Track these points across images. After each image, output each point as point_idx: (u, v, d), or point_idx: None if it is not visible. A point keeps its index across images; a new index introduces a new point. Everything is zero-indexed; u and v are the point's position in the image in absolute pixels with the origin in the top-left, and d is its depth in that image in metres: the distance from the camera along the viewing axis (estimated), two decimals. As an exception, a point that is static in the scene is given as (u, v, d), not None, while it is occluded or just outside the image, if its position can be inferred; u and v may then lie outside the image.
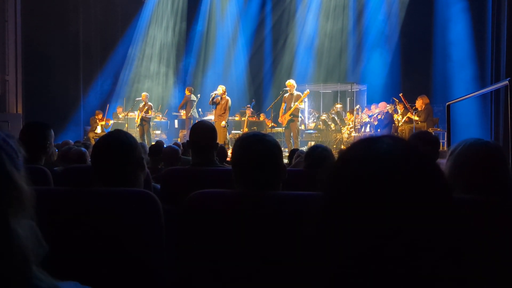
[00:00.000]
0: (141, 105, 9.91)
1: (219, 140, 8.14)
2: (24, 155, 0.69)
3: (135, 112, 10.43)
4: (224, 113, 8.40)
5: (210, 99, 8.59)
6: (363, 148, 0.63)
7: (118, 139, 1.55)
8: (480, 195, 1.34)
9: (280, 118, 8.31)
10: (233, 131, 10.28)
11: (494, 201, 1.30)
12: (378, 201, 0.57)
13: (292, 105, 8.01)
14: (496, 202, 1.30)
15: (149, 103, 9.95)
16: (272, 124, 10.24)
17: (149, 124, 9.93)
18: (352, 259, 0.58)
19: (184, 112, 10.30)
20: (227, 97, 8.50)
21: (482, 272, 1.12)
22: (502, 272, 1.20)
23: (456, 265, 0.58)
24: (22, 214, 0.62)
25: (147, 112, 9.72)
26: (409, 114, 8.57)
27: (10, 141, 0.66)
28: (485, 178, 1.37)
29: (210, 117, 10.20)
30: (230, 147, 8.02)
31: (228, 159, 5.17)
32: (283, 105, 8.25)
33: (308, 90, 8.63)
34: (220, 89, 8.51)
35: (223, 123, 8.36)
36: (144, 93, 10.09)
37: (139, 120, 9.75)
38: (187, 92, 10.23)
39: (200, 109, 10.52)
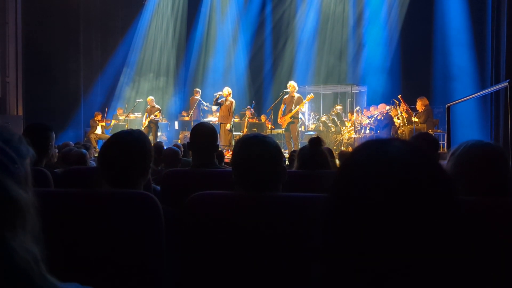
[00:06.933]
0: (148, 107, 10.01)
1: (224, 143, 8.13)
2: (33, 157, 0.65)
3: (135, 114, 10.45)
4: (229, 115, 8.36)
5: (214, 100, 8.56)
6: (373, 150, 0.63)
7: (139, 140, 1.55)
8: (481, 197, 1.34)
9: (279, 119, 8.32)
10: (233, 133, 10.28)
11: (495, 202, 1.30)
12: (388, 203, 0.57)
13: (293, 108, 8.02)
14: (498, 203, 1.30)
15: (157, 106, 10.05)
16: (271, 126, 10.25)
17: (157, 126, 10.06)
18: (360, 262, 0.57)
19: (190, 113, 10.35)
20: (232, 100, 8.45)
21: (485, 273, 1.12)
22: (505, 273, 1.20)
23: (460, 266, 0.58)
24: (21, 226, 0.59)
25: (155, 114, 9.79)
26: (405, 115, 8.57)
27: (7, 148, 0.61)
28: (486, 180, 1.37)
29: (211, 118, 10.20)
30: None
31: (226, 160, 5.18)
32: (282, 107, 8.25)
33: (312, 94, 8.64)
34: (226, 90, 8.48)
35: (228, 125, 8.34)
36: (150, 97, 10.19)
37: (146, 122, 9.83)
38: (195, 94, 10.25)
39: (207, 104, 10.38)
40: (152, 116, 9.77)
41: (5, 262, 0.56)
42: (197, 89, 10.46)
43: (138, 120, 10.63)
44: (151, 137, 9.64)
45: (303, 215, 1.29)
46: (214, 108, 10.04)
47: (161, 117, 10.25)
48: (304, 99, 8.33)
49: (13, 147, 0.62)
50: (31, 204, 0.61)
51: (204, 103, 10.24)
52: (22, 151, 0.64)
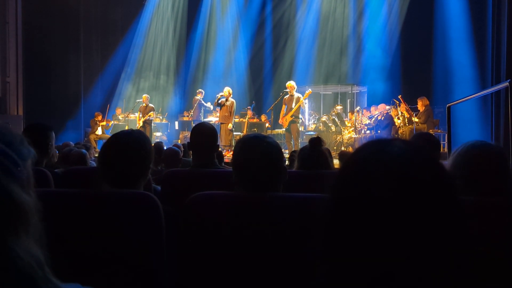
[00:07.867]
0: (142, 105, 9.93)
1: (224, 143, 8.15)
2: (34, 158, 0.64)
3: (136, 114, 10.44)
4: (230, 115, 8.39)
5: (216, 100, 8.59)
6: (374, 150, 0.63)
7: (139, 140, 1.55)
8: (481, 197, 1.33)
9: (280, 119, 8.31)
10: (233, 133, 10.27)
11: (495, 202, 1.30)
12: (390, 203, 0.57)
13: (293, 106, 8.01)
14: (497, 203, 1.30)
15: (151, 105, 9.98)
16: (268, 125, 10.25)
17: (151, 126, 9.98)
18: (362, 262, 0.57)
19: (191, 113, 10.34)
20: (233, 100, 8.49)
21: (485, 273, 1.11)
22: (504, 273, 1.20)
23: (460, 265, 0.58)
24: (24, 230, 0.58)
25: (150, 115, 9.75)
26: (406, 115, 8.57)
27: (9, 151, 0.60)
28: (486, 180, 1.37)
29: (211, 118, 10.20)
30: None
31: (226, 160, 5.18)
32: (284, 107, 8.25)
33: (310, 89, 8.63)
34: (226, 90, 8.50)
35: (230, 125, 8.36)
36: (145, 95, 10.12)
37: (141, 122, 9.76)
38: (197, 94, 10.25)
39: (209, 103, 10.36)
40: (147, 116, 9.74)
41: (9, 267, 0.55)
42: (201, 90, 10.45)
43: (138, 120, 10.62)
44: None
45: (304, 215, 1.29)
46: (211, 107, 10.05)
47: (154, 116, 10.17)
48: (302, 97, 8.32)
49: (15, 150, 0.61)
50: (34, 207, 0.60)
51: (205, 103, 10.24)
52: (24, 153, 0.63)
